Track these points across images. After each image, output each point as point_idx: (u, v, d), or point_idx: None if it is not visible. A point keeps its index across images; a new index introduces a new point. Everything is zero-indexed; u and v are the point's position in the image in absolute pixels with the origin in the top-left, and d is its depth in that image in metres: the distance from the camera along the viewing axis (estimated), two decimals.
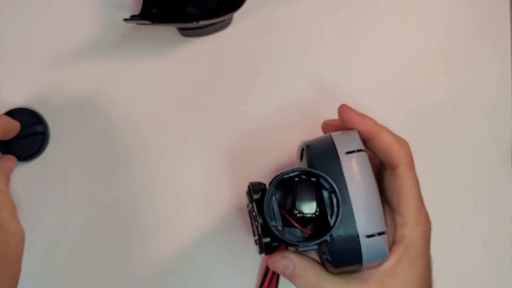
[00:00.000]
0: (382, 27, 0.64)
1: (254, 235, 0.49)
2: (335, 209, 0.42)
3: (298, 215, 0.42)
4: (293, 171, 0.43)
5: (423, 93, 0.63)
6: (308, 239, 0.44)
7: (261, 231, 0.45)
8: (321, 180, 0.43)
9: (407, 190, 0.45)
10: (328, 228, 0.42)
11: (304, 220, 0.43)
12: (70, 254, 0.59)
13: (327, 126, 0.52)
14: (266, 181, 0.47)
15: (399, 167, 0.46)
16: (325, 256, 0.44)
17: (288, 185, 0.43)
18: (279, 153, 0.61)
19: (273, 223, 0.43)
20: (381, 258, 0.44)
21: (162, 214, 0.60)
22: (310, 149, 0.45)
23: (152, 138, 0.61)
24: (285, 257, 0.46)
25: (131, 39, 0.62)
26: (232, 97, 0.62)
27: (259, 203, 0.45)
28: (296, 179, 0.43)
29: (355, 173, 0.43)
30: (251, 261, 0.60)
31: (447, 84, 0.63)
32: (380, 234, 0.42)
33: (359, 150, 0.44)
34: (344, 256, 0.43)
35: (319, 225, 0.44)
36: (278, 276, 0.57)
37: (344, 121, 0.47)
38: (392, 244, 0.45)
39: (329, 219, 0.42)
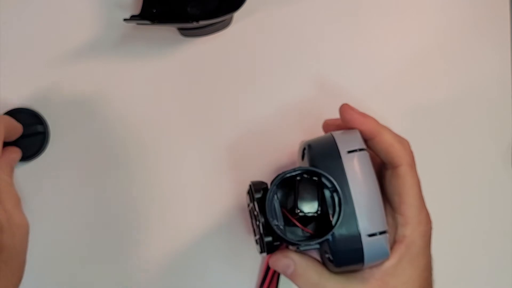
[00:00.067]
0: (382, 27, 0.64)
1: (255, 235, 0.49)
2: (337, 208, 0.42)
3: (300, 214, 0.42)
4: (294, 170, 0.43)
5: (423, 93, 0.63)
6: (310, 238, 0.44)
7: (263, 230, 0.45)
8: (323, 179, 0.43)
9: (408, 190, 0.45)
10: (329, 227, 0.42)
11: (306, 219, 0.43)
12: (70, 254, 0.59)
13: (328, 126, 0.52)
14: (266, 181, 0.47)
15: (400, 166, 0.46)
16: (327, 256, 0.44)
17: (289, 184, 0.43)
18: (279, 153, 0.61)
19: (275, 222, 0.43)
20: (383, 257, 0.44)
21: (162, 214, 0.60)
22: (312, 149, 0.45)
23: (152, 138, 0.61)
24: (286, 257, 0.46)
25: (131, 39, 0.62)
26: (232, 97, 0.62)
27: (261, 202, 0.45)
28: (298, 178, 0.43)
29: (357, 172, 0.43)
30: (252, 260, 0.60)
31: (447, 84, 0.64)
32: (381, 233, 0.42)
33: (360, 149, 0.44)
34: (346, 255, 0.43)
35: (320, 224, 0.44)
36: (278, 275, 0.57)
37: (346, 121, 0.47)
38: (393, 244, 0.45)
39: (331, 218, 0.42)
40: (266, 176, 0.60)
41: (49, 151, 0.60)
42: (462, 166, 0.63)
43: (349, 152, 0.43)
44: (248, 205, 0.50)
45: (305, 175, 0.43)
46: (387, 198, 0.47)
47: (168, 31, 0.62)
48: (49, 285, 0.59)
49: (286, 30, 0.63)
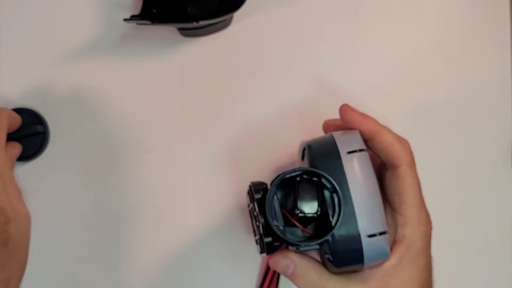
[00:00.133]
0: (382, 27, 0.64)
1: (255, 235, 0.49)
2: (337, 208, 0.42)
3: (300, 214, 0.42)
4: (294, 170, 0.43)
5: (423, 93, 0.63)
6: (310, 238, 0.44)
7: (263, 230, 0.45)
8: (323, 180, 0.43)
9: (408, 190, 0.45)
10: (329, 227, 0.42)
11: (306, 220, 0.43)
12: (70, 253, 0.59)
13: (328, 126, 0.52)
14: (266, 181, 0.47)
15: (400, 167, 0.46)
16: (327, 256, 0.44)
17: (289, 185, 0.43)
18: (279, 153, 0.61)
19: (275, 222, 0.43)
20: (383, 257, 0.44)
21: (162, 214, 0.60)
22: (312, 149, 0.45)
23: (152, 138, 0.61)
24: (286, 257, 0.46)
25: (131, 39, 0.62)
26: (232, 97, 0.62)
27: (261, 202, 0.45)
28: (298, 178, 0.43)
29: (357, 173, 0.43)
30: (251, 261, 0.60)
31: (447, 84, 0.64)
32: (381, 233, 0.42)
33: (360, 150, 0.44)
34: (346, 256, 0.43)
35: (320, 225, 0.44)
36: (278, 276, 0.57)
37: (346, 121, 0.47)
38: (393, 244, 0.45)
39: (331, 218, 0.42)
40: (266, 176, 0.60)
41: (49, 151, 0.60)
42: (462, 166, 0.63)
43: (349, 152, 0.43)
44: (248, 206, 0.50)
45: (305, 176, 0.43)
46: (387, 198, 0.47)
47: (168, 31, 0.62)
48: (49, 285, 0.59)
49: (286, 30, 0.63)
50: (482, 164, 0.63)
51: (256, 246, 0.49)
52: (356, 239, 0.42)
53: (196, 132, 0.61)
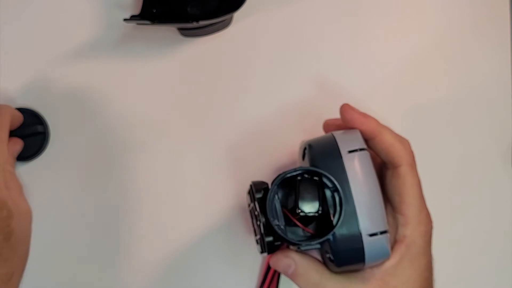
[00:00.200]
0: (382, 27, 0.64)
1: (256, 235, 0.49)
2: (338, 208, 0.42)
3: (301, 214, 0.42)
4: (295, 170, 0.43)
5: (423, 93, 0.63)
6: (311, 238, 0.44)
7: (264, 230, 0.44)
8: (324, 179, 0.43)
9: (408, 190, 0.45)
10: (330, 227, 0.42)
11: (307, 219, 0.43)
12: (70, 253, 0.59)
13: (329, 126, 0.52)
14: (266, 181, 0.47)
15: (400, 166, 0.46)
16: (328, 255, 0.44)
17: (290, 184, 0.43)
18: (279, 153, 0.61)
19: (276, 222, 0.43)
20: (383, 257, 0.44)
21: (162, 214, 0.60)
22: (313, 148, 0.45)
23: (152, 138, 0.61)
24: (287, 256, 0.46)
25: (131, 39, 0.62)
26: (232, 97, 0.62)
27: (262, 202, 0.45)
28: (299, 178, 0.43)
29: (358, 172, 0.43)
30: (252, 260, 0.60)
31: (447, 84, 0.64)
32: (382, 233, 0.42)
33: (361, 149, 0.44)
34: (347, 255, 0.43)
35: (321, 224, 0.44)
36: (279, 275, 0.57)
37: (346, 121, 0.47)
38: (393, 243, 0.45)
39: (332, 218, 0.42)
40: (266, 176, 0.60)
41: (49, 151, 0.60)
42: (462, 166, 0.63)
43: (350, 152, 0.43)
44: (249, 205, 0.50)
45: (306, 175, 0.43)
46: (388, 198, 0.47)
47: (168, 31, 0.62)
48: (49, 285, 0.59)
49: (286, 30, 0.63)
50: (482, 164, 0.63)
51: (256, 245, 0.49)
52: (357, 238, 0.42)
53: (196, 132, 0.61)
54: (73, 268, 0.59)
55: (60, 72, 0.61)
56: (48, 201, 0.59)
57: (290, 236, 0.44)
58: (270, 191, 0.43)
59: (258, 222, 0.46)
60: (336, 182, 0.42)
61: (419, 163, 0.47)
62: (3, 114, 0.54)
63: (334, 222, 0.42)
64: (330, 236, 0.42)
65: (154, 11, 0.59)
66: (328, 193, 0.43)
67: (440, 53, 0.64)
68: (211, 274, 0.60)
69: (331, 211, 0.42)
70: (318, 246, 0.44)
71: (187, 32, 0.61)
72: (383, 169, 0.48)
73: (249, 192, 0.48)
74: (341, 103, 0.48)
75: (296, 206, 0.42)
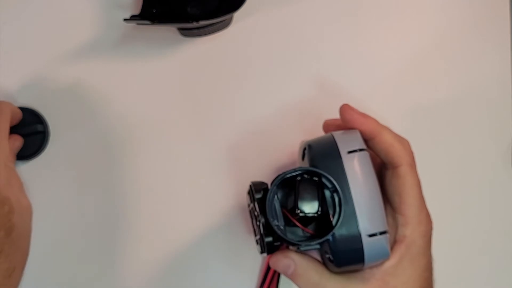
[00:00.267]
0: (382, 27, 0.64)
1: (256, 235, 0.49)
2: (337, 208, 0.42)
3: (300, 214, 0.42)
4: (295, 170, 0.43)
5: (423, 93, 0.63)
6: (310, 238, 0.44)
7: (263, 230, 0.45)
8: (323, 180, 0.43)
9: (408, 190, 0.45)
10: (330, 227, 0.42)
11: (306, 220, 0.43)
12: (70, 253, 0.59)
13: (328, 126, 0.52)
14: (266, 181, 0.47)
15: (400, 166, 0.46)
16: (327, 256, 0.44)
17: (290, 185, 0.43)
18: (279, 153, 0.61)
19: (275, 222, 0.43)
20: (383, 257, 0.44)
21: (162, 214, 0.60)
22: (312, 149, 0.45)
23: (152, 138, 0.61)
24: (287, 257, 0.46)
25: (131, 39, 0.62)
26: (232, 97, 0.62)
27: (261, 202, 0.45)
28: (298, 178, 0.43)
29: (357, 173, 0.43)
30: (252, 261, 0.60)
31: (447, 84, 0.64)
32: (382, 233, 0.42)
33: (361, 150, 0.44)
34: (346, 256, 0.43)
35: (321, 225, 0.44)
36: (278, 276, 0.57)
37: (346, 121, 0.47)
38: (393, 244, 0.45)
39: (331, 218, 0.42)
40: (266, 176, 0.60)
41: (49, 150, 0.60)
42: (462, 166, 0.63)
43: (349, 152, 0.43)
44: (249, 205, 0.50)
45: (306, 175, 0.43)
46: (388, 198, 0.47)
47: (168, 31, 0.62)
48: (49, 285, 0.59)
49: (286, 30, 0.63)
50: (482, 164, 0.63)
51: (256, 246, 0.49)
52: (356, 239, 0.42)
53: (196, 132, 0.61)
54: (73, 268, 0.59)
55: (60, 72, 0.61)
56: (47, 200, 0.59)
57: (289, 236, 0.44)
58: (269, 192, 0.43)
59: (258, 223, 0.46)
60: (335, 183, 0.42)
61: (419, 163, 0.47)
62: (3, 110, 0.55)
63: (334, 222, 0.42)
64: (329, 237, 0.42)
65: (154, 11, 0.59)
66: (327, 193, 0.43)
67: (440, 53, 0.64)
68: (211, 274, 0.60)
69: (331, 212, 0.42)
70: (318, 246, 0.44)
71: (187, 32, 0.61)
72: (383, 169, 0.48)
73: (248, 192, 0.48)
74: (341, 103, 0.48)
75: (295, 206, 0.42)
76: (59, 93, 0.60)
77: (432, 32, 0.64)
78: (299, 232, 0.45)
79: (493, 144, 0.63)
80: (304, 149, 0.46)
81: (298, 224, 0.44)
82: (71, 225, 0.59)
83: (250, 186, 0.47)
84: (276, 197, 0.45)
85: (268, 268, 0.57)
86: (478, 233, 0.62)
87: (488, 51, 0.64)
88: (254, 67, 0.62)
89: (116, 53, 0.62)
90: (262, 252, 0.47)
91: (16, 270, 0.49)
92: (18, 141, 0.57)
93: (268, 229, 0.44)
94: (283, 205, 0.45)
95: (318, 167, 0.43)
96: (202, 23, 0.55)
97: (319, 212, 0.42)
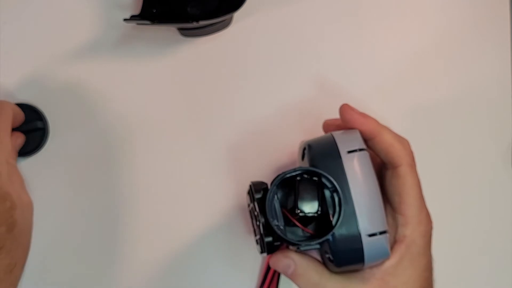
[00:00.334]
0: (382, 27, 0.64)
1: (256, 235, 0.49)
2: (337, 208, 0.42)
3: (300, 214, 0.42)
4: (295, 170, 0.43)
5: (423, 93, 0.63)
6: (310, 238, 0.44)
7: (263, 230, 0.45)
8: (323, 179, 0.43)
9: (408, 190, 0.45)
10: (330, 227, 0.42)
11: (306, 220, 0.43)
12: (70, 252, 0.59)
13: (328, 126, 0.52)
14: (266, 181, 0.47)
15: (400, 166, 0.46)
16: (327, 256, 0.44)
17: (290, 185, 0.43)
18: (279, 153, 0.61)
19: (275, 222, 0.43)
20: (383, 257, 0.44)
21: (162, 214, 0.60)
22: (312, 149, 0.45)
23: (152, 137, 0.61)
24: (287, 257, 0.46)
25: (131, 39, 0.62)
26: (232, 97, 0.62)
27: (261, 202, 0.45)
28: (298, 178, 0.43)
29: (357, 172, 0.43)
30: (252, 260, 0.60)
31: (447, 84, 0.64)
32: (382, 233, 0.42)
33: (360, 149, 0.44)
34: (346, 255, 0.43)
35: (321, 225, 0.44)
36: (278, 275, 0.57)
37: (346, 121, 0.47)
38: (393, 243, 0.45)
39: (331, 218, 0.42)
40: (266, 176, 0.60)
41: (49, 147, 0.60)
42: (462, 166, 0.63)
43: (349, 152, 0.43)
44: (249, 205, 0.50)
45: (305, 175, 0.43)
46: (388, 198, 0.47)
47: (168, 31, 0.62)
48: (49, 285, 0.59)
49: (286, 30, 0.63)
50: (482, 164, 0.63)
51: (256, 246, 0.49)
52: (356, 239, 0.42)
53: (196, 132, 0.61)
54: (73, 268, 0.59)
55: (60, 71, 0.61)
56: (47, 197, 0.59)
57: (289, 236, 0.44)
58: (269, 192, 0.43)
59: (258, 223, 0.46)
60: (335, 183, 0.42)
61: (419, 163, 0.47)
62: (5, 108, 0.55)
63: (334, 222, 0.42)
64: (329, 237, 0.42)
65: (154, 11, 0.59)
66: (327, 193, 0.43)
67: (440, 53, 0.64)
68: (211, 274, 0.60)
69: (331, 212, 0.42)
70: (318, 246, 0.44)
71: (187, 32, 0.61)
72: (383, 169, 0.48)
73: (248, 192, 0.48)
74: (341, 103, 0.48)
75: (295, 206, 0.42)
76: (58, 92, 0.60)
77: (432, 32, 0.64)
78: (299, 232, 0.45)
79: (493, 144, 0.63)
80: (304, 149, 0.46)
81: (298, 224, 0.44)
82: (70, 223, 0.59)
83: (250, 186, 0.47)
84: (276, 197, 0.44)
85: (268, 268, 0.57)
86: (478, 233, 0.62)
87: (488, 51, 0.64)
88: (254, 67, 0.62)
89: (116, 53, 0.62)
90: (262, 252, 0.47)
91: (17, 266, 0.49)
92: (20, 138, 0.58)
93: (268, 229, 0.44)
94: (283, 205, 0.45)
95: (318, 167, 0.43)
96: (202, 23, 0.55)
97: (319, 212, 0.42)
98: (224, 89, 0.62)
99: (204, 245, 0.60)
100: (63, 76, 0.61)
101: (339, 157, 0.43)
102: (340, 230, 0.42)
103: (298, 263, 0.46)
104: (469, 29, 0.64)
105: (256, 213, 0.46)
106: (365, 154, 0.44)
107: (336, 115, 0.48)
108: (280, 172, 0.43)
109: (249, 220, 0.52)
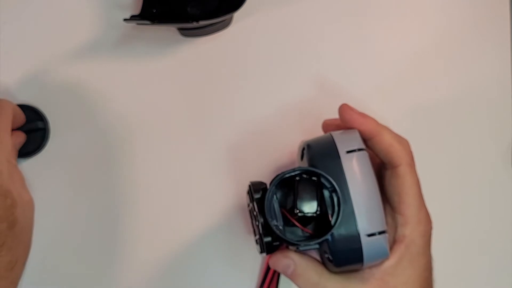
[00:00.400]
0: (382, 27, 0.64)
1: (255, 235, 0.49)
2: (336, 208, 0.42)
3: (299, 214, 0.42)
4: (294, 170, 0.43)
5: (423, 93, 0.63)
6: (309, 238, 0.44)
7: (262, 230, 0.44)
8: (322, 179, 0.43)
9: (407, 190, 0.45)
10: (329, 227, 0.42)
11: (305, 220, 0.43)
12: (70, 252, 0.59)
13: (328, 126, 0.52)
14: (266, 181, 0.47)
15: (399, 166, 0.46)
16: (326, 255, 0.44)
17: (289, 185, 0.43)
18: (279, 153, 0.61)
19: (274, 222, 0.43)
20: (382, 257, 0.44)
21: (162, 214, 0.60)
22: (311, 148, 0.45)
23: (152, 137, 0.61)
24: (286, 257, 0.46)
25: (131, 39, 0.62)
26: (232, 97, 0.62)
27: (260, 202, 0.45)
28: (297, 178, 0.43)
29: (356, 172, 0.43)
30: (252, 260, 0.60)
31: (447, 84, 0.64)
32: (381, 233, 0.42)
33: (359, 149, 0.44)
34: (345, 255, 0.43)
35: (320, 224, 0.44)
36: (278, 275, 0.57)
37: (345, 121, 0.47)
38: (393, 243, 0.45)
39: (330, 218, 0.42)
40: (266, 176, 0.60)
41: (49, 147, 0.60)
42: (462, 166, 0.63)
43: (348, 152, 0.43)
44: (248, 205, 0.50)
45: (304, 175, 0.43)
46: (387, 198, 0.47)
47: (168, 31, 0.62)
48: (49, 285, 0.59)
49: (286, 30, 0.63)
50: (482, 164, 0.63)
51: (256, 246, 0.49)
52: (355, 239, 0.42)
53: (196, 132, 0.61)
54: (73, 267, 0.59)
55: (60, 71, 0.61)
56: (47, 197, 0.59)
57: (288, 236, 0.44)
58: (268, 192, 0.43)
59: (257, 222, 0.46)
60: (334, 183, 0.42)
61: (419, 163, 0.47)
62: (5, 107, 0.55)
63: (333, 222, 0.42)
64: (328, 236, 0.42)
65: (154, 11, 0.59)
66: (326, 193, 0.43)
67: (440, 53, 0.64)
68: (211, 274, 0.60)
69: (330, 212, 0.42)
70: (317, 246, 0.44)
71: (187, 32, 0.61)
72: (382, 169, 0.48)
73: (248, 192, 0.48)
74: (341, 103, 0.48)
75: (294, 206, 0.42)
76: (59, 92, 0.60)
77: (432, 32, 0.64)
78: (298, 232, 0.45)
79: (493, 144, 0.63)
80: (303, 149, 0.46)
81: (297, 224, 0.43)
82: (70, 223, 0.59)
83: (249, 186, 0.47)
84: (275, 197, 0.44)
85: (268, 268, 0.57)
86: (478, 233, 0.62)
87: (488, 51, 0.64)
88: (254, 67, 0.62)
89: (116, 53, 0.62)
90: (261, 252, 0.46)
91: (18, 263, 0.49)
92: (20, 137, 0.58)
93: (267, 229, 0.44)
94: (282, 205, 0.44)
95: (317, 167, 0.43)
96: (202, 23, 0.55)
97: (318, 212, 0.42)
98: (224, 89, 0.62)
99: (204, 245, 0.60)
100: (63, 76, 0.61)
101: (338, 157, 0.43)
102: (339, 230, 0.42)
103: (298, 263, 0.46)
104: (469, 29, 0.64)
105: (255, 213, 0.46)
106: (364, 154, 0.44)
107: (336, 115, 0.48)
108: (280, 172, 0.43)
109: (249, 220, 0.52)
